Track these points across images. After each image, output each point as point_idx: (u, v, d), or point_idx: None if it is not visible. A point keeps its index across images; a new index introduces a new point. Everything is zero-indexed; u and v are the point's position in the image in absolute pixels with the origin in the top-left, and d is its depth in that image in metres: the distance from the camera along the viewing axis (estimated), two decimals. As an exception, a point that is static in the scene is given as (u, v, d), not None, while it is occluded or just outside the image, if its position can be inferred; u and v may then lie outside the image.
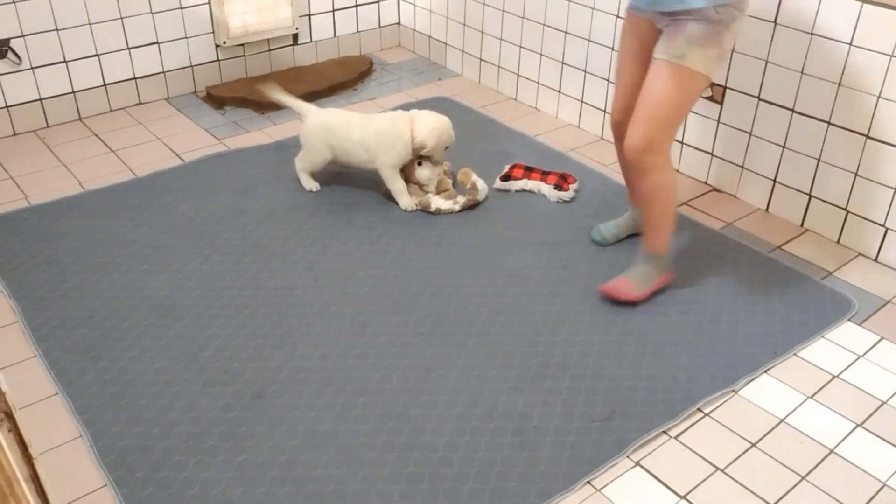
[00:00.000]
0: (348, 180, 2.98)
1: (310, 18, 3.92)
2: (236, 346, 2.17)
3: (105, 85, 3.45)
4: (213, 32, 3.63)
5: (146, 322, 2.25)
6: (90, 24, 3.31)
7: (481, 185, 2.81)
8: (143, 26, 3.44)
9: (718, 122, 2.89)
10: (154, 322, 2.25)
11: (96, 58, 3.38)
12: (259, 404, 1.99)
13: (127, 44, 3.43)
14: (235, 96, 3.58)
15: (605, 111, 3.30)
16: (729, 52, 2.13)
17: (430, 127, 2.71)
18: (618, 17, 3.08)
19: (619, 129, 2.34)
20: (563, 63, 3.40)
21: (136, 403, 1.98)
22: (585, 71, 3.31)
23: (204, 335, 2.21)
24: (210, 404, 1.98)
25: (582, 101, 3.38)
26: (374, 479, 1.79)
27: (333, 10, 3.98)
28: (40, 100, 3.31)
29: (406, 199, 2.78)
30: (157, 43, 3.51)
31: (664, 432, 1.94)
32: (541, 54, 3.48)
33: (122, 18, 3.37)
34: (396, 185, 2.78)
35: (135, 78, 3.52)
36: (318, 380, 2.06)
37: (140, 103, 3.57)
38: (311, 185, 2.90)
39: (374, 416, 1.95)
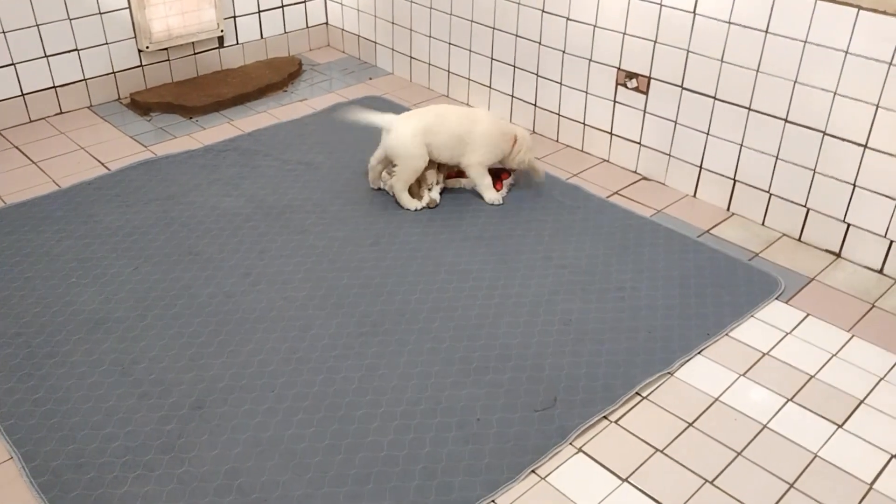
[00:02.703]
0: (281, 183, 2.94)
1: (235, 20, 3.85)
2: (172, 356, 2.13)
3: (23, 94, 3.33)
4: (135, 37, 3.54)
5: (76, 337, 2.19)
6: (4, 32, 3.19)
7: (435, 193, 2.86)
8: (61, 33, 3.33)
9: (645, 111, 2.96)
10: (84, 336, 2.19)
11: (12, 67, 3.26)
12: (199, 414, 1.95)
13: (44, 51, 3.32)
14: (161, 101, 3.50)
15: (535, 105, 3.34)
16: None
17: (527, 147, 2.85)
18: (543, 11, 3.12)
19: None
20: (492, 59, 3.42)
21: (69, 421, 1.92)
22: (515, 66, 3.34)
23: (137, 347, 2.15)
24: (146, 417, 1.94)
25: (512, 97, 3.41)
26: (320, 482, 1.78)
27: (259, 12, 3.93)
28: (-47, 112, 3.19)
29: (492, 194, 2.84)
30: (76, 50, 3.40)
31: (605, 417, 1.98)
32: (470, 50, 3.50)
33: (38, 25, 3.26)
34: (485, 181, 2.84)
35: (55, 86, 3.41)
36: (259, 386, 2.04)
37: (61, 112, 3.46)
38: (415, 203, 2.78)
39: (318, 420, 1.94)
